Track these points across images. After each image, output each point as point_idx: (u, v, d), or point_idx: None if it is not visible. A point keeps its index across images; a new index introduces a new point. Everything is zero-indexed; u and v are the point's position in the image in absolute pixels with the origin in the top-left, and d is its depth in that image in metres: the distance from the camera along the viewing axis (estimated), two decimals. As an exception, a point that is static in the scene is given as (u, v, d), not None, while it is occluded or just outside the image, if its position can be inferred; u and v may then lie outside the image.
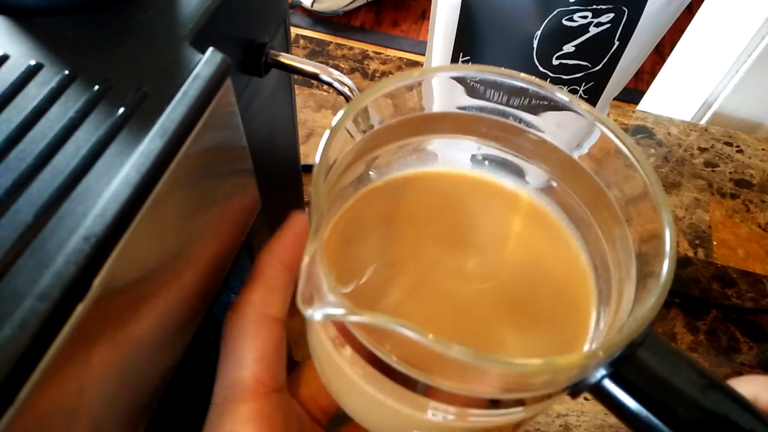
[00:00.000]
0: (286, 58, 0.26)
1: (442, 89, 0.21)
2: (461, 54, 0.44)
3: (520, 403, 0.18)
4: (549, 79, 0.43)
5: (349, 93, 0.28)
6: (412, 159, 0.23)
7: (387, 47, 1.50)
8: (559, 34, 0.40)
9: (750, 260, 0.55)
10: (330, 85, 0.28)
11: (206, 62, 0.18)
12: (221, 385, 0.21)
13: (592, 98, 0.46)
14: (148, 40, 0.18)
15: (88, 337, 0.15)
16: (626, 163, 0.19)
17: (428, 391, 0.17)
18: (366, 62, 0.66)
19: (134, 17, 0.19)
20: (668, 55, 0.84)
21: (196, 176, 0.18)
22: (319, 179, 0.17)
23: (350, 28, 1.55)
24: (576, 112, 0.19)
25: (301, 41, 0.67)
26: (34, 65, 0.17)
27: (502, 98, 0.21)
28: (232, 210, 0.23)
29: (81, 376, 0.15)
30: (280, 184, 0.37)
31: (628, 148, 0.18)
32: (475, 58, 0.44)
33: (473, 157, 0.23)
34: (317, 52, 0.67)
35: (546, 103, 0.20)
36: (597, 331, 0.20)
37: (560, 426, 0.44)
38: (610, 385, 0.17)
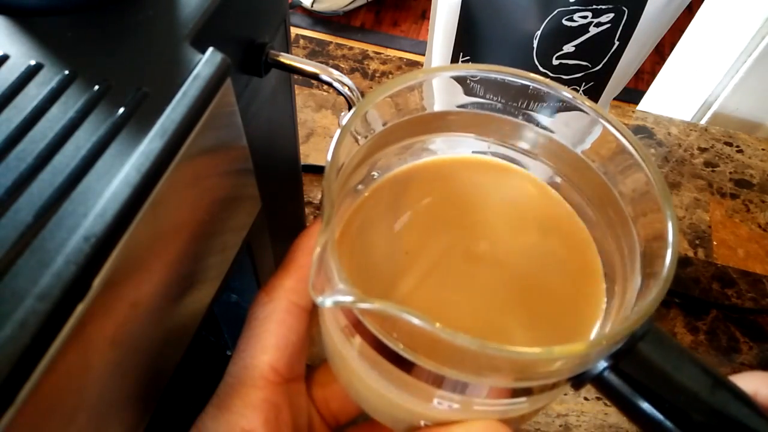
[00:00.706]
0: (286, 58, 0.26)
1: (446, 89, 0.21)
2: (461, 54, 0.44)
3: (524, 392, 0.18)
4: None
5: (349, 93, 0.28)
6: (421, 155, 0.23)
7: (387, 47, 1.50)
8: (559, 34, 0.40)
9: (750, 260, 0.55)
10: (330, 85, 0.28)
11: (206, 62, 0.18)
12: (237, 364, 0.21)
13: (592, 98, 0.46)
14: (148, 40, 0.18)
15: (88, 337, 0.15)
16: (631, 161, 0.19)
17: (434, 380, 0.17)
18: (366, 62, 0.66)
19: (134, 17, 0.19)
20: (668, 55, 0.84)
21: (196, 176, 0.18)
22: (331, 172, 0.17)
23: (350, 28, 1.55)
24: (582, 110, 0.20)
25: (301, 41, 0.67)
26: (34, 65, 0.17)
27: (509, 97, 0.21)
28: (232, 210, 0.23)
29: (81, 376, 0.15)
30: (280, 184, 0.37)
31: (632, 146, 0.19)
32: (475, 58, 0.44)
33: (481, 153, 0.23)
34: (317, 52, 0.67)
35: (554, 102, 0.20)
36: (603, 324, 0.20)
37: (560, 426, 0.44)
38: (611, 376, 0.18)
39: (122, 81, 0.17)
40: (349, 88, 0.28)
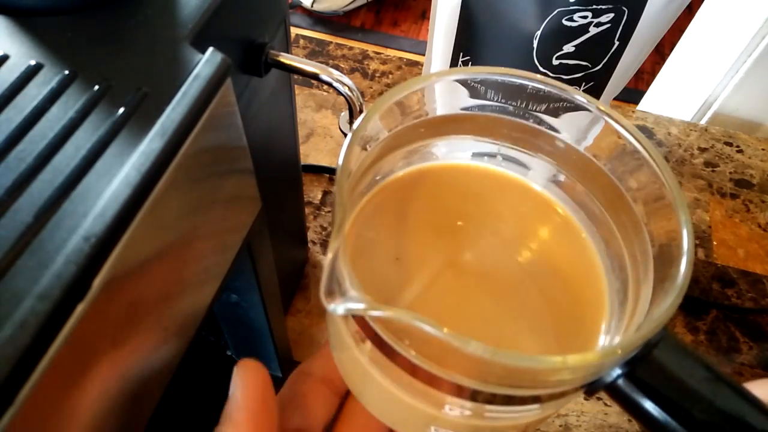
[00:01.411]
0: (286, 58, 0.26)
1: (451, 92, 0.21)
2: (461, 54, 0.44)
3: (536, 400, 0.18)
4: (549, 79, 0.43)
5: (349, 93, 0.28)
6: (427, 159, 0.23)
7: (387, 47, 1.50)
8: (559, 34, 0.40)
9: (750, 260, 0.55)
10: (330, 85, 0.28)
11: (206, 62, 0.18)
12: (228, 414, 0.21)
13: (592, 98, 0.46)
14: (148, 40, 0.18)
15: (88, 337, 0.15)
16: (643, 164, 0.19)
17: (445, 387, 0.17)
18: (366, 62, 0.66)
19: (134, 17, 0.19)
20: (668, 55, 0.84)
21: (196, 176, 0.18)
22: (342, 178, 0.17)
23: (350, 28, 1.55)
24: (589, 110, 0.20)
25: (301, 41, 0.67)
26: (34, 65, 0.17)
27: (518, 99, 0.21)
28: (232, 210, 0.23)
29: (81, 376, 0.15)
30: (280, 184, 0.37)
31: (644, 148, 0.19)
32: (475, 58, 0.44)
33: (489, 155, 0.23)
34: (317, 52, 0.67)
35: (562, 102, 0.20)
36: (610, 332, 0.20)
37: (560, 426, 0.44)
38: (625, 384, 0.17)
39: (122, 81, 0.17)
40: (349, 88, 0.28)
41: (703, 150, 0.63)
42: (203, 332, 0.39)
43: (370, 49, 0.68)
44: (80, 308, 0.14)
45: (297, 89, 0.62)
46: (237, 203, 0.23)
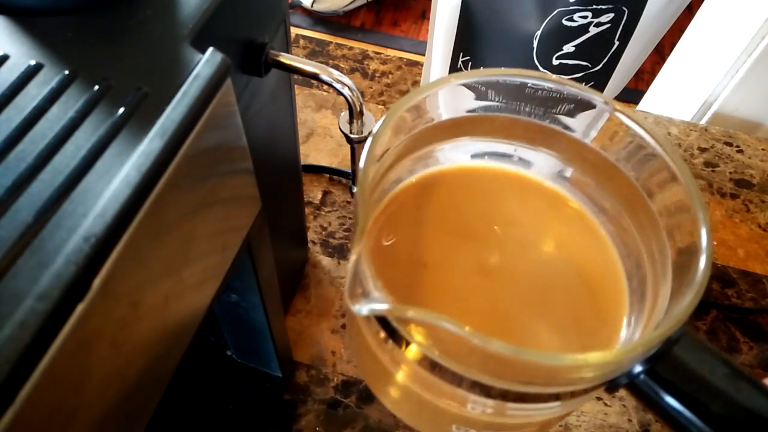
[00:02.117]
0: (286, 58, 0.26)
1: (457, 95, 0.21)
2: (461, 54, 0.44)
3: (557, 397, 0.18)
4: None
5: (349, 93, 0.28)
6: (442, 162, 0.23)
7: (387, 47, 1.50)
8: (559, 34, 0.40)
9: (750, 260, 0.55)
10: (330, 85, 0.28)
11: (206, 62, 0.18)
12: None
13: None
14: (148, 40, 0.18)
15: (88, 337, 0.15)
16: (663, 165, 0.19)
17: (468, 385, 0.17)
18: (366, 62, 0.66)
19: (134, 17, 0.19)
20: (668, 55, 0.84)
21: (196, 176, 0.18)
22: (364, 182, 0.17)
23: (350, 28, 1.55)
24: (606, 110, 0.20)
25: (301, 41, 0.67)
26: (34, 65, 0.17)
27: (533, 101, 0.21)
28: (232, 210, 0.23)
29: (81, 376, 0.15)
30: (280, 184, 0.37)
31: (664, 150, 0.19)
32: (475, 58, 0.44)
33: (506, 156, 0.23)
34: (317, 52, 0.67)
35: (577, 102, 0.20)
36: (629, 330, 0.20)
37: (560, 426, 0.44)
38: (647, 381, 0.18)
39: (122, 81, 0.17)
40: (349, 88, 0.28)
41: (703, 150, 0.63)
42: (203, 332, 0.39)
43: (370, 49, 0.68)
44: (80, 308, 0.14)
45: (297, 89, 0.62)
46: (237, 203, 0.23)
